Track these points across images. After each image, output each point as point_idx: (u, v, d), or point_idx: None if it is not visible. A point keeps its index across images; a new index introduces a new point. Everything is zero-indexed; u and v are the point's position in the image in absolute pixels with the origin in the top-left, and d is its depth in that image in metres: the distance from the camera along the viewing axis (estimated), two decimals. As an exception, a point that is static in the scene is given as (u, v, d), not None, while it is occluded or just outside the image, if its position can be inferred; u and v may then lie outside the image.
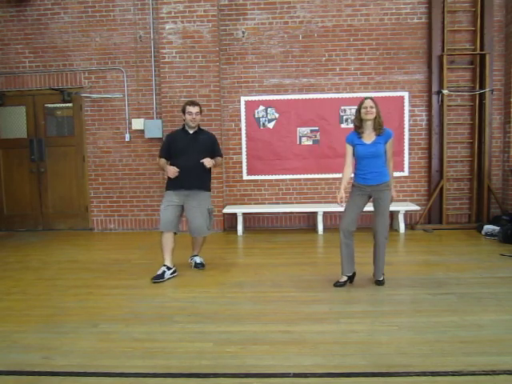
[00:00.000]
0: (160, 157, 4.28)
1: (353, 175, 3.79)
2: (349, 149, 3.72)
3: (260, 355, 2.47)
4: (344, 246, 3.71)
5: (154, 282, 3.89)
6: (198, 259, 4.42)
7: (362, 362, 2.35)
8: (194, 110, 4.09)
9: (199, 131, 4.23)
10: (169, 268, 4.05)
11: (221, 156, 4.38)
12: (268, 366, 2.35)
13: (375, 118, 3.56)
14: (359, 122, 3.62)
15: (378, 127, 3.58)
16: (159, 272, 3.99)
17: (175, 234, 4.16)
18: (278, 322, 2.95)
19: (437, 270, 4.18)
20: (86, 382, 2.25)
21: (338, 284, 3.72)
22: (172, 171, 4.04)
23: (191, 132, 4.17)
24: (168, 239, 4.08)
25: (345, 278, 3.74)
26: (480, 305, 3.21)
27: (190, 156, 4.07)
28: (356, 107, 3.68)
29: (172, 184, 4.12)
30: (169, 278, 4.01)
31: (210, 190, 4.29)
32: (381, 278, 3.75)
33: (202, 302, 3.42)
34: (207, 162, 4.09)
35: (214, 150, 4.26)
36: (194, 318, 3.06)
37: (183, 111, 4.15)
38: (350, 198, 3.73)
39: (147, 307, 3.34)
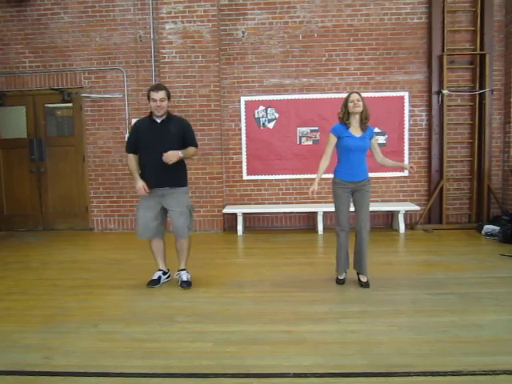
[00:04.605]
0: (127, 151, 3.76)
1: (332, 175, 3.76)
2: (333, 140, 3.66)
3: (260, 355, 2.48)
4: (344, 246, 3.72)
5: (150, 287, 3.79)
6: (184, 276, 3.87)
7: (361, 362, 2.35)
8: (157, 96, 3.53)
9: (169, 119, 3.69)
10: (164, 273, 3.95)
11: (194, 145, 3.79)
12: (268, 365, 2.35)
13: (362, 111, 3.55)
14: (346, 116, 3.60)
15: (365, 120, 3.59)
16: (155, 277, 3.88)
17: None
18: (278, 322, 2.96)
19: (437, 270, 4.18)
20: (86, 382, 2.25)
21: (340, 281, 3.76)
22: (141, 190, 3.62)
23: (159, 121, 3.65)
24: (157, 245, 3.88)
25: (344, 275, 3.78)
26: (480, 305, 3.21)
27: (160, 150, 3.55)
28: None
29: (144, 182, 3.70)
30: (164, 283, 3.92)
31: (187, 185, 3.84)
32: (366, 280, 3.66)
33: (202, 301, 3.42)
34: (169, 156, 3.51)
35: (185, 140, 3.72)
36: (193, 318, 3.06)
37: (148, 98, 3.62)
38: (336, 197, 3.71)
39: (147, 307, 3.34)
